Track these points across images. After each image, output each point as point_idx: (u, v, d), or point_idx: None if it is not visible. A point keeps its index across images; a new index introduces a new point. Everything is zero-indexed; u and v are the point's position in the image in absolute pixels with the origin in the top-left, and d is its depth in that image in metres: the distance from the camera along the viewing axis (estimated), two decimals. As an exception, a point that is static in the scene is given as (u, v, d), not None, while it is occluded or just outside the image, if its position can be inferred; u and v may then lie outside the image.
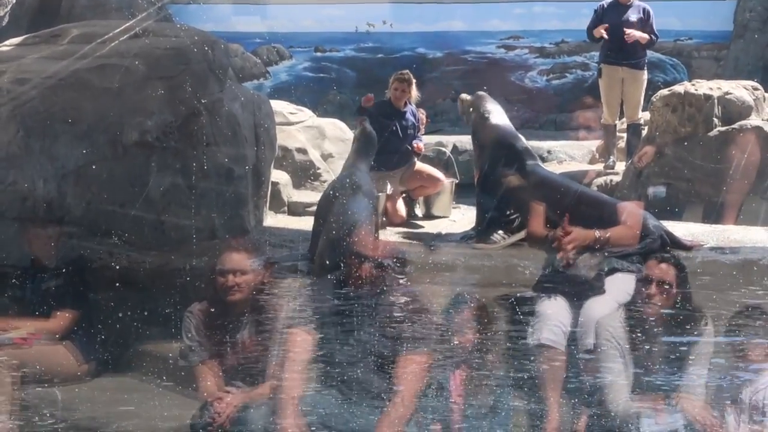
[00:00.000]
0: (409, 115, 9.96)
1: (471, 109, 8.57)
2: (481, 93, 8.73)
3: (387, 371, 5.59)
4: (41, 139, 7.27)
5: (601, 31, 11.71)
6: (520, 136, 8.42)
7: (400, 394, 5.46)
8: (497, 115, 8.44)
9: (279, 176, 10.25)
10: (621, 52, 11.65)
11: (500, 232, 7.93)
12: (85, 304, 6.94)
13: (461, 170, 11.12)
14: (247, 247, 6.25)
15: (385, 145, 9.51)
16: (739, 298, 6.50)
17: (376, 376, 5.60)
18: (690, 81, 11.38)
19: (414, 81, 10.08)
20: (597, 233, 6.66)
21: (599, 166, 12.30)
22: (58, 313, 6.80)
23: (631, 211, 7.28)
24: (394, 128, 9.74)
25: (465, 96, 8.80)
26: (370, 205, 7.60)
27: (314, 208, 8.40)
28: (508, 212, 8.00)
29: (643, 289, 5.87)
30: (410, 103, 10.07)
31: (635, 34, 11.50)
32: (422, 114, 11.12)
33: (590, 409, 5.67)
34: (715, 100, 10.16)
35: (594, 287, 6.36)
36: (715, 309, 6.18)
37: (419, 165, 10.07)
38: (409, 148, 9.92)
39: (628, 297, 6.06)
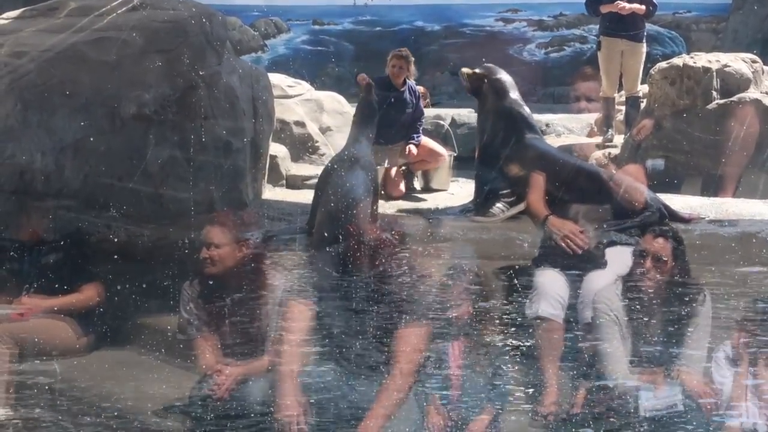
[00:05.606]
0: (407, 92, 9.92)
1: (485, 81, 8.35)
2: (489, 65, 8.61)
3: (386, 344, 5.59)
4: (39, 112, 7.26)
5: (609, 8, 11.66)
6: (528, 109, 8.30)
7: (399, 367, 5.46)
8: (510, 87, 8.30)
9: (277, 149, 10.23)
10: (621, 24, 11.62)
11: (499, 204, 7.92)
12: (84, 277, 6.94)
13: (459, 143, 11.11)
14: (227, 221, 6.25)
15: (384, 120, 9.50)
16: (737, 271, 6.51)
17: (375, 349, 5.61)
18: (688, 54, 11.36)
19: (413, 58, 10.04)
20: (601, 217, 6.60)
21: (598, 139, 12.28)
22: (57, 287, 6.79)
23: (629, 184, 7.24)
24: (392, 102, 9.72)
25: (466, 69, 8.57)
26: (370, 179, 7.56)
27: (313, 181, 8.38)
28: (506, 185, 7.98)
29: (641, 262, 5.88)
30: (409, 80, 10.04)
31: (632, 6, 11.50)
32: (423, 91, 11.14)
33: (588, 381, 5.68)
34: (714, 73, 10.14)
35: (595, 260, 6.36)
36: (714, 282, 6.19)
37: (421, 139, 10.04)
38: (408, 124, 9.90)
39: (626, 270, 6.05)
